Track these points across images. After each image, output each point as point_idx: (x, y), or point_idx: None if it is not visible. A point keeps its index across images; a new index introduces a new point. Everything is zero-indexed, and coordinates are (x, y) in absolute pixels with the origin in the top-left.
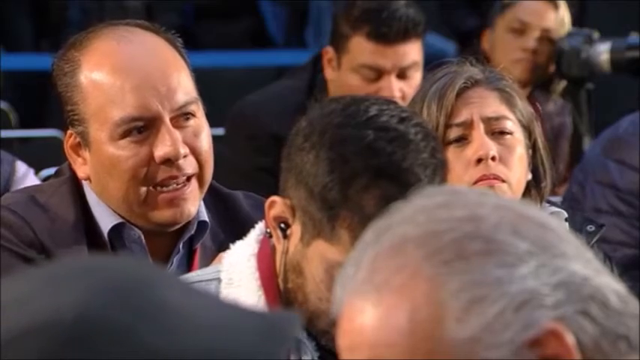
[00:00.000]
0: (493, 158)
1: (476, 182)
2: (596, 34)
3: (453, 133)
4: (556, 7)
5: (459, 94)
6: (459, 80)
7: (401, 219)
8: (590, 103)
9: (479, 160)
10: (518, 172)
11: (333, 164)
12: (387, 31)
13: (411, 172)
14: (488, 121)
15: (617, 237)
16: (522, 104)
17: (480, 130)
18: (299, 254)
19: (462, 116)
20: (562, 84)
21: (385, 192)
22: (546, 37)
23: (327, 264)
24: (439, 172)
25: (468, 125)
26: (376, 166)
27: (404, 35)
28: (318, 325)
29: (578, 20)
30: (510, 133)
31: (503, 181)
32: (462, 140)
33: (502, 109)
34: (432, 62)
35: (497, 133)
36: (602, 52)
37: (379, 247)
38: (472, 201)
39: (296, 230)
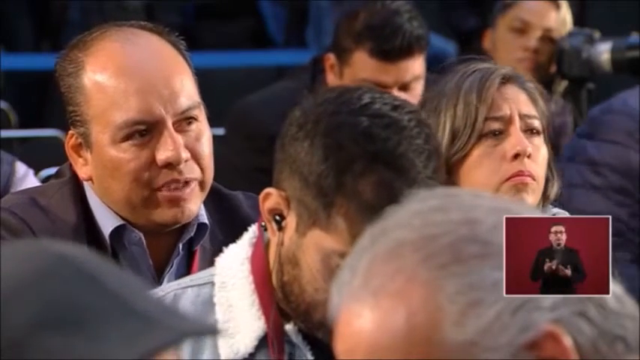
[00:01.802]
0: (529, 155)
1: (510, 177)
2: (596, 34)
3: (492, 125)
4: (557, 6)
5: (497, 89)
6: (497, 75)
7: (396, 223)
8: (590, 102)
9: (515, 156)
10: (542, 172)
11: (328, 151)
12: (390, 49)
13: (406, 158)
14: (523, 118)
15: (593, 209)
16: (544, 106)
17: (517, 125)
18: (294, 245)
19: (502, 110)
20: (563, 84)
21: (381, 178)
22: (548, 37)
23: (323, 253)
24: (433, 158)
25: (507, 120)
26: (372, 152)
27: (407, 52)
28: (314, 317)
29: (578, 20)
30: (538, 134)
31: (534, 179)
32: (499, 134)
33: (532, 109)
34: (432, 62)
35: (528, 131)
36: (603, 51)
37: (375, 251)
38: (467, 204)
39: (291, 221)
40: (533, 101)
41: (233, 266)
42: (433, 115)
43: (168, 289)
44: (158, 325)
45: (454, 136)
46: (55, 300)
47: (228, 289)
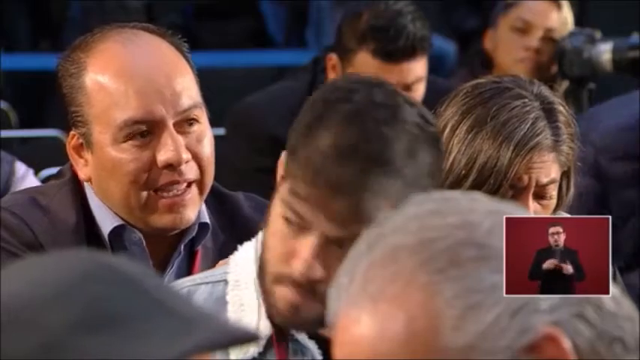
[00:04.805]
0: None
1: None
2: (598, 34)
3: (507, 192)
4: (559, 6)
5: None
6: (538, 136)
7: (393, 227)
8: (592, 102)
9: None
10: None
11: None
12: (394, 50)
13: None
14: (540, 187)
15: None
16: (568, 149)
17: (529, 194)
18: None
19: (521, 181)
20: (564, 84)
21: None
22: (549, 37)
23: None
24: (424, 147)
25: (521, 188)
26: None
27: (410, 53)
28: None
29: (579, 20)
30: (551, 198)
31: None
32: (510, 196)
33: (554, 171)
34: (432, 62)
35: (540, 197)
36: (604, 51)
37: (372, 256)
38: (464, 207)
39: None
40: (559, 160)
41: (247, 264)
42: (470, 132)
43: (182, 284)
44: (198, 326)
45: (479, 171)
46: (93, 302)
47: (241, 288)
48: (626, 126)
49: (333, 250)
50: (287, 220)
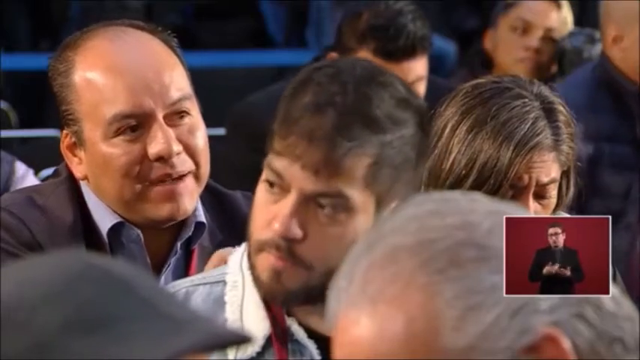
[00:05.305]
0: None
1: None
2: (597, 34)
3: (507, 191)
4: (559, 6)
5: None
6: (538, 136)
7: (392, 228)
8: None
9: None
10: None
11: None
12: (394, 49)
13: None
14: (540, 186)
15: None
16: (568, 149)
17: (529, 194)
18: None
19: (522, 181)
20: None
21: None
22: (549, 37)
23: None
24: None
25: (522, 188)
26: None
27: (410, 52)
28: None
29: (579, 20)
30: (551, 198)
31: None
32: (510, 197)
33: (554, 170)
34: (432, 62)
35: (541, 197)
36: None
37: (371, 257)
38: (464, 208)
39: None
40: (558, 160)
41: (243, 265)
42: (469, 131)
43: (180, 285)
44: (188, 327)
45: (479, 171)
46: (84, 303)
47: (240, 288)
48: (568, 85)
49: (313, 208)
50: (268, 182)
